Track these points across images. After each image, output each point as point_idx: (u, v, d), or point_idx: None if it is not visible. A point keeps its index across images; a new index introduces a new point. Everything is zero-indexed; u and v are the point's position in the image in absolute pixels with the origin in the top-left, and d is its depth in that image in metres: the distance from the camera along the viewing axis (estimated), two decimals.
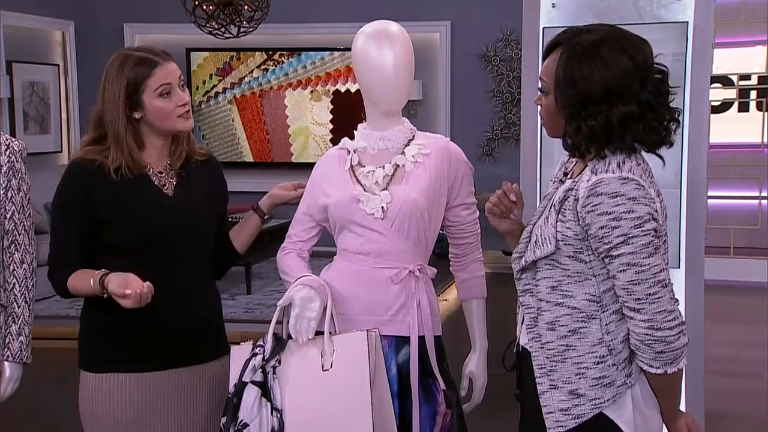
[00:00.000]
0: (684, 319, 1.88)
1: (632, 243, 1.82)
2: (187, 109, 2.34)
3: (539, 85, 2.00)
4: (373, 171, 2.39)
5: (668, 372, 1.86)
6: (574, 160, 2.03)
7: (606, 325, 1.91)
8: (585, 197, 1.85)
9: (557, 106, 1.93)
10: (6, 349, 2.52)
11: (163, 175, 2.37)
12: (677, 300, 1.91)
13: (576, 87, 1.87)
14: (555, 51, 1.94)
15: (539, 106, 2.01)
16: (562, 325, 1.94)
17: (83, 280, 2.27)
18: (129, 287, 2.16)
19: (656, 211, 1.86)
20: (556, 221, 1.92)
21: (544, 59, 1.99)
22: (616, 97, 1.86)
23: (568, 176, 2.02)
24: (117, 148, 2.29)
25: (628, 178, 1.84)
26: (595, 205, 1.84)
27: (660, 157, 1.96)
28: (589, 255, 1.89)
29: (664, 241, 1.93)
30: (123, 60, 2.30)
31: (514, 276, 2.02)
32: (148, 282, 2.18)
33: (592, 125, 1.87)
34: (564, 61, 1.89)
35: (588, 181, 1.87)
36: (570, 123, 1.91)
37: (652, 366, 1.86)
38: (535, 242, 1.97)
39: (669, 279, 1.87)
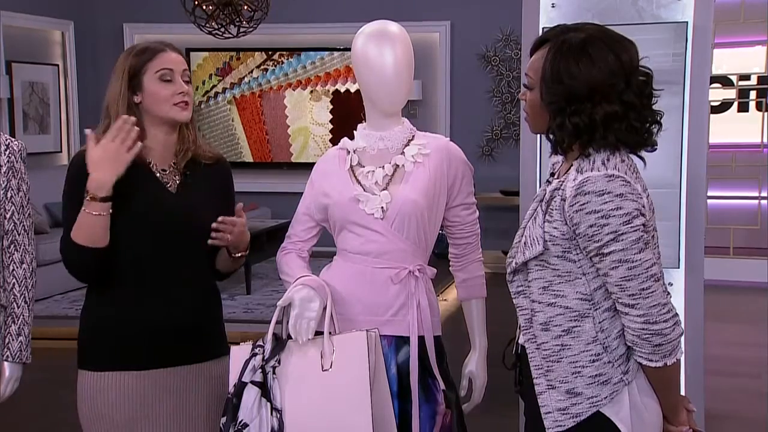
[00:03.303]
0: (677, 311, 1.89)
1: (622, 240, 1.83)
2: (184, 99, 2.34)
3: (524, 81, 2.01)
4: (373, 171, 2.39)
5: (668, 364, 1.87)
6: (560, 160, 2.04)
7: (599, 322, 1.92)
8: (572, 197, 1.86)
9: (542, 102, 1.94)
10: (6, 350, 2.52)
11: (167, 173, 2.37)
12: (669, 293, 1.92)
13: (562, 83, 1.89)
14: (543, 47, 1.96)
15: (524, 101, 2.02)
16: (556, 325, 1.94)
17: (79, 219, 2.23)
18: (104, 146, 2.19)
19: (644, 206, 1.87)
20: (543, 222, 1.93)
21: (531, 55, 2.00)
22: (601, 96, 1.88)
23: (555, 176, 2.04)
24: None
25: (614, 176, 1.85)
26: (583, 204, 1.85)
27: (641, 158, 1.98)
28: (577, 254, 1.90)
29: (653, 236, 1.94)
30: (131, 50, 2.37)
31: (507, 279, 2.03)
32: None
33: (576, 122, 1.89)
34: (551, 57, 1.91)
35: (574, 180, 1.88)
36: (554, 119, 1.93)
37: (651, 360, 1.87)
38: (525, 244, 1.98)
39: (660, 272, 1.88)
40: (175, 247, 2.32)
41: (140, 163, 2.33)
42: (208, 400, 2.39)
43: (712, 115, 6.90)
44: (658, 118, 1.95)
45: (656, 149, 1.98)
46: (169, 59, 2.34)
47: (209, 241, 2.31)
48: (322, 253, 2.85)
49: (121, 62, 2.35)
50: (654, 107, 1.95)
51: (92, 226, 2.22)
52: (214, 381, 2.40)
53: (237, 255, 2.41)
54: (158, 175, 2.35)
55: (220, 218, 2.29)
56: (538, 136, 3.27)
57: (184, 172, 2.38)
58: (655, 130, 1.95)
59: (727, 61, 8.07)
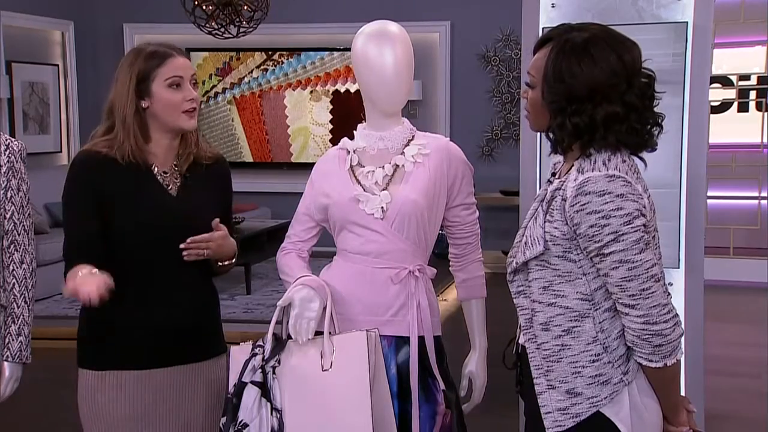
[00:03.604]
0: (677, 312, 1.89)
1: (623, 240, 1.83)
2: (193, 106, 2.34)
3: (526, 80, 2.01)
4: (373, 171, 2.39)
5: (668, 364, 1.87)
6: (561, 160, 2.04)
7: (600, 323, 1.92)
8: (573, 197, 1.86)
9: (543, 101, 1.94)
10: (6, 350, 2.52)
11: (168, 175, 2.38)
12: (670, 293, 1.92)
13: (563, 82, 1.89)
14: (545, 46, 1.96)
15: (525, 100, 2.02)
16: (556, 325, 1.94)
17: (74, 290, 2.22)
18: (78, 293, 2.13)
19: (644, 206, 1.87)
20: (544, 221, 1.93)
21: (534, 54, 2.00)
22: (602, 96, 1.87)
23: (556, 176, 2.04)
24: (124, 133, 2.31)
25: (614, 176, 1.85)
26: (584, 204, 1.84)
27: (642, 159, 1.98)
28: (578, 254, 1.90)
29: (654, 236, 1.94)
30: (138, 53, 2.35)
31: (507, 278, 2.03)
32: (104, 283, 2.13)
33: (576, 122, 1.89)
34: (553, 56, 1.91)
35: (575, 180, 1.88)
36: (554, 118, 1.93)
37: (651, 360, 1.87)
38: (525, 243, 1.98)
39: (661, 273, 1.88)
40: (176, 250, 2.32)
41: (143, 166, 2.33)
42: (207, 399, 2.40)
43: (712, 115, 6.89)
44: (660, 120, 1.95)
45: (656, 149, 1.98)
46: (178, 65, 2.33)
47: (185, 258, 2.29)
48: (322, 253, 2.85)
49: (127, 65, 2.33)
50: (655, 109, 1.95)
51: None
52: (213, 380, 2.41)
53: (223, 263, 2.41)
54: (159, 178, 2.36)
55: (189, 239, 2.28)
56: (538, 136, 3.27)
57: (184, 174, 2.39)
58: (656, 132, 1.95)
59: (727, 61, 8.07)
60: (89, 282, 2.13)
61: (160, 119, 2.33)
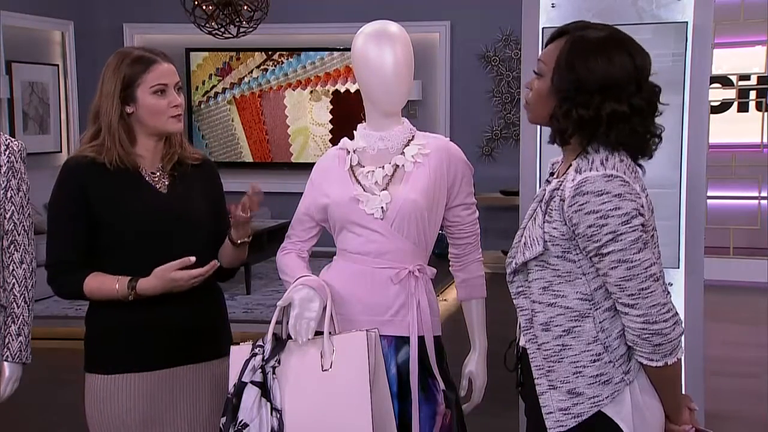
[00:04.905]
0: (677, 310, 1.89)
1: (621, 240, 1.83)
2: (179, 112, 2.36)
3: (535, 68, 2.00)
4: (373, 171, 2.39)
5: (668, 363, 1.87)
6: (560, 160, 2.04)
7: (600, 322, 1.92)
8: (571, 197, 1.86)
9: (550, 89, 1.94)
10: (6, 350, 2.52)
11: (156, 175, 2.39)
12: (669, 292, 1.92)
13: (575, 73, 1.89)
14: (560, 38, 1.96)
15: (528, 90, 2.02)
16: (557, 325, 1.94)
17: (105, 284, 2.29)
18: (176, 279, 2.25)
19: (642, 206, 1.87)
20: (543, 222, 1.93)
21: (547, 45, 2.00)
22: (611, 94, 1.88)
23: (554, 176, 2.04)
24: (110, 139, 2.32)
25: (612, 176, 1.86)
26: (582, 205, 1.85)
27: (640, 166, 1.98)
28: (577, 254, 1.90)
29: (652, 235, 1.94)
30: (122, 57, 2.34)
31: (507, 279, 2.03)
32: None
33: (582, 114, 1.89)
34: (569, 47, 1.92)
35: (573, 180, 1.88)
36: (561, 106, 1.92)
37: (652, 360, 1.87)
38: (524, 244, 1.98)
39: (660, 272, 1.89)
40: (173, 244, 2.32)
41: (132, 169, 2.34)
42: (213, 398, 2.41)
43: (712, 115, 6.90)
44: (659, 132, 1.96)
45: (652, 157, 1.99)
46: (163, 73, 2.33)
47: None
48: (322, 253, 2.85)
49: (111, 71, 2.33)
50: (656, 120, 1.95)
51: (108, 297, 2.30)
52: (219, 379, 2.41)
53: (239, 242, 2.39)
54: (148, 178, 2.37)
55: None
56: (538, 136, 3.27)
57: (171, 173, 2.40)
58: (654, 143, 1.96)
59: (727, 61, 8.07)
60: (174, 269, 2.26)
61: (146, 124, 2.35)
